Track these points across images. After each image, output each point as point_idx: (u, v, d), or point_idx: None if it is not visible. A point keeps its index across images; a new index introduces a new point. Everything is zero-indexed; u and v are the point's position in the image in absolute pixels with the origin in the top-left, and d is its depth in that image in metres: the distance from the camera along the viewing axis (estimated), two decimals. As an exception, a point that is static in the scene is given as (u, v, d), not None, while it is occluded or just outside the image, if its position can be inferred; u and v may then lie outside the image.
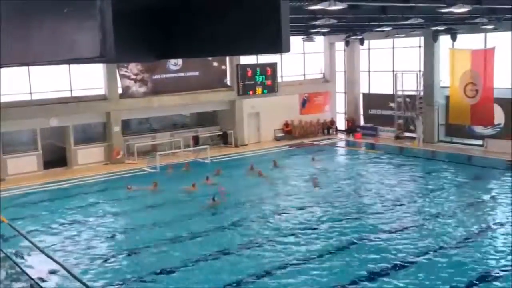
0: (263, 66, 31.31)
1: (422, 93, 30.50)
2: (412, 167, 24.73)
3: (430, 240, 15.05)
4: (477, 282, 12.35)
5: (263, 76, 31.26)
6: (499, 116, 26.61)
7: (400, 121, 31.70)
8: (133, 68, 27.42)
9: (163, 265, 13.69)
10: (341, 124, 35.32)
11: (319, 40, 32.70)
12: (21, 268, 13.62)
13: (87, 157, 26.55)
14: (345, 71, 35.22)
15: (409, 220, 16.85)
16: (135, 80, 27.62)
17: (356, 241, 15.06)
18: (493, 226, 16.18)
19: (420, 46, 30.47)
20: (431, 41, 29.07)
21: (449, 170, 24.05)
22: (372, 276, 12.73)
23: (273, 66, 31.61)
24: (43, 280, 12.95)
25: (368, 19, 21.41)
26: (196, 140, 29.88)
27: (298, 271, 13.08)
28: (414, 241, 14.96)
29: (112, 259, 14.41)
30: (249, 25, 1.74)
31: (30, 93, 25.12)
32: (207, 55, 2.01)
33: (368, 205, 18.67)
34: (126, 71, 27.32)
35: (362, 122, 34.21)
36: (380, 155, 27.57)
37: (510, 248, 14.18)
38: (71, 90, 26.17)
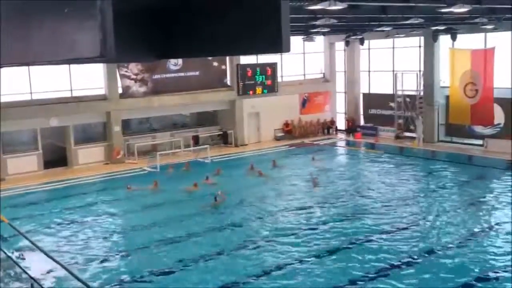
0: (263, 66, 31.30)
1: (422, 93, 30.50)
2: (412, 167, 24.73)
3: (430, 240, 15.07)
4: (477, 282, 12.34)
5: (263, 76, 31.26)
6: (499, 116, 26.62)
7: (400, 121, 31.71)
8: (133, 68, 27.42)
9: (162, 265, 13.70)
10: (341, 124, 35.31)
11: (319, 40, 32.72)
12: (21, 268, 13.62)
13: (88, 157, 26.57)
14: (345, 71, 35.21)
15: (409, 220, 16.85)
16: (135, 80, 27.63)
17: (355, 241, 15.05)
18: (493, 226, 16.18)
19: (420, 46, 30.47)
20: (431, 41, 29.07)
21: (449, 170, 24.09)
22: (372, 276, 12.73)
23: (273, 66, 31.60)
24: (43, 280, 12.95)
25: (368, 19, 21.41)
26: (196, 140, 29.89)
27: (298, 271, 13.08)
28: (414, 241, 14.96)
29: (112, 259, 14.42)
30: (249, 25, 1.73)
31: (30, 93, 25.13)
32: (207, 55, 2.01)
33: (368, 205, 18.66)
34: (126, 71, 27.33)
35: (362, 122, 34.20)
36: (380, 155, 27.57)
37: (510, 248, 14.18)
38: (71, 90, 26.18)
